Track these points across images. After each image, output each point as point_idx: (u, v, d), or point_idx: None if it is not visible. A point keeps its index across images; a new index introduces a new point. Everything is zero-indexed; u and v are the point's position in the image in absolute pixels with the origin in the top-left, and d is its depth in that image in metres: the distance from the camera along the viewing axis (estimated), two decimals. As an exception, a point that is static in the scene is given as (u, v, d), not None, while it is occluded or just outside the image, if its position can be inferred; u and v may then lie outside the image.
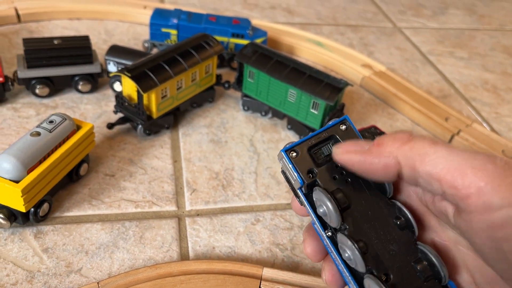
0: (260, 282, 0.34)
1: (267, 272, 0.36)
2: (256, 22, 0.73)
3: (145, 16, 0.71)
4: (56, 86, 0.54)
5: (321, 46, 0.71)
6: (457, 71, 0.73)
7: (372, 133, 0.45)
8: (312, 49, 0.70)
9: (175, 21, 0.60)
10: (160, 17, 0.61)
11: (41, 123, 0.40)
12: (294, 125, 0.53)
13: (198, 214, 0.43)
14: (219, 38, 0.60)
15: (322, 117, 0.50)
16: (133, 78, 0.46)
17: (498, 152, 0.53)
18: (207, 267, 0.35)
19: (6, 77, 0.51)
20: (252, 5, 0.85)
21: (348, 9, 0.89)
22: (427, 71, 0.72)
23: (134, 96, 0.48)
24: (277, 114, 0.54)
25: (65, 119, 0.41)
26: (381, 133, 0.45)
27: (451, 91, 0.67)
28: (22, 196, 0.36)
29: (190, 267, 0.35)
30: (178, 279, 0.34)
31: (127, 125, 0.51)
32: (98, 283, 0.33)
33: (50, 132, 0.39)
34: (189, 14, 0.62)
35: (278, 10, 0.84)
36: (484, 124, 0.61)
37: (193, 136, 0.52)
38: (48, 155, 0.39)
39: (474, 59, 0.77)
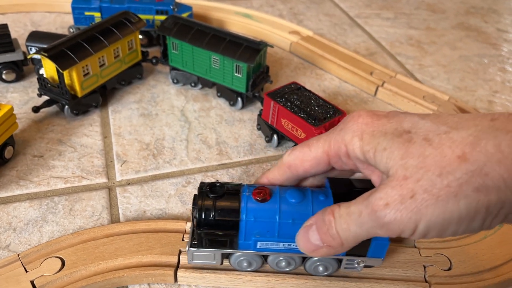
0: (183, 236, 0.35)
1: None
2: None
3: (71, 3, 0.70)
4: (-22, 77, 0.53)
5: (250, 18, 0.72)
6: (383, 30, 0.75)
7: (292, 89, 0.47)
8: (242, 22, 0.71)
9: (97, 3, 0.60)
10: (82, 0, 0.61)
11: (-44, 108, 0.40)
12: (223, 92, 0.54)
13: (129, 183, 0.44)
14: (143, 16, 0.61)
15: (246, 80, 0.51)
16: (50, 57, 0.46)
17: (420, 98, 0.56)
18: (131, 228, 0.36)
19: None
20: (182, -14, 0.85)
21: (279, -18, 0.90)
22: (355, 33, 0.74)
23: (56, 76, 0.48)
24: (206, 83, 0.55)
25: (-19, 102, 0.41)
26: (300, 87, 0.47)
27: (377, 49, 0.70)
28: None
29: (113, 230, 0.35)
30: (101, 241, 0.34)
31: (55, 107, 0.51)
32: (18, 254, 0.33)
33: (-35, 115, 0.39)
34: (112, -5, 0.62)
35: (209, -11, 0.85)
36: (408, 76, 0.64)
37: (123, 112, 0.52)
38: (-34, 138, 0.39)
39: (399, 19, 0.80)
